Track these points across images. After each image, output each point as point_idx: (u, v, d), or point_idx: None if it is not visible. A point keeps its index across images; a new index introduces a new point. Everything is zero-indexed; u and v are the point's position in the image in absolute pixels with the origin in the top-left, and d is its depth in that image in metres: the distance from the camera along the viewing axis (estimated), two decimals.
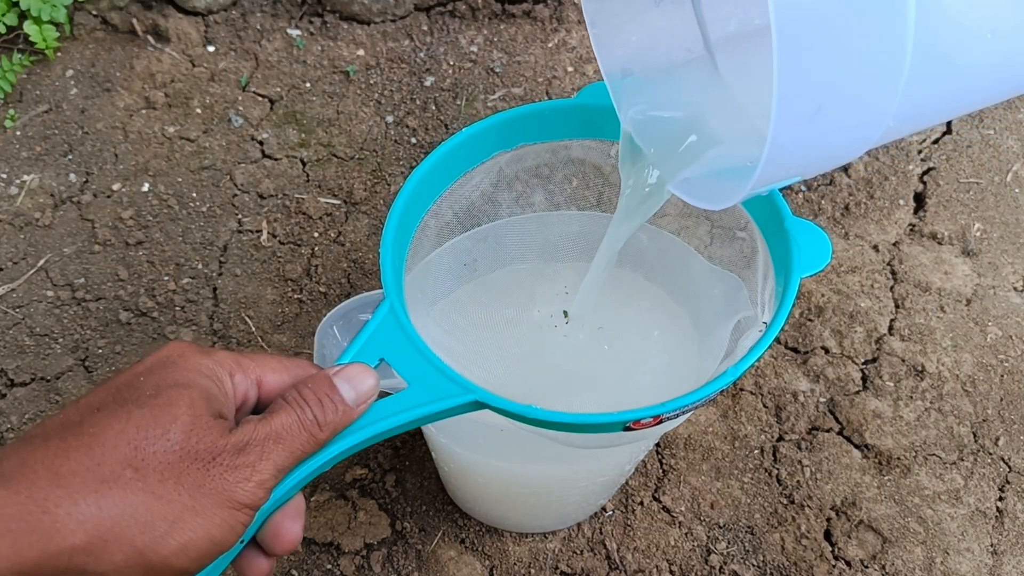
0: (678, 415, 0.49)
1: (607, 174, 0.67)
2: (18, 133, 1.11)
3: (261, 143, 1.13)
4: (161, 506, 0.36)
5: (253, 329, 0.98)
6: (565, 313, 0.71)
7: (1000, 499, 0.91)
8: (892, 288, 1.04)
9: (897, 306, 1.03)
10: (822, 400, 0.96)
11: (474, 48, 1.19)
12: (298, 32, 1.19)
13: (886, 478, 0.91)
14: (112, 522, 0.35)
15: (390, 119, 1.15)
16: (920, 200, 1.12)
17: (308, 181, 1.10)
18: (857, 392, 0.96)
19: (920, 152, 1.15)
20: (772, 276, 0.57)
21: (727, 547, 0.87)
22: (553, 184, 0.68)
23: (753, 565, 0.86)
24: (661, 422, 0.48)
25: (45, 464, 0.35)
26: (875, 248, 1.07)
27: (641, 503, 0.88)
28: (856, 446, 0.93)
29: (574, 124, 0.62)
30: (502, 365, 0.67)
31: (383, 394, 0.46)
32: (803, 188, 1.11)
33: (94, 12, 1.17)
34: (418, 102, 1.16)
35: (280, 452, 0.39)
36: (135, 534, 0.35)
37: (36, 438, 0.36)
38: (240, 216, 1.06)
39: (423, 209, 0.60)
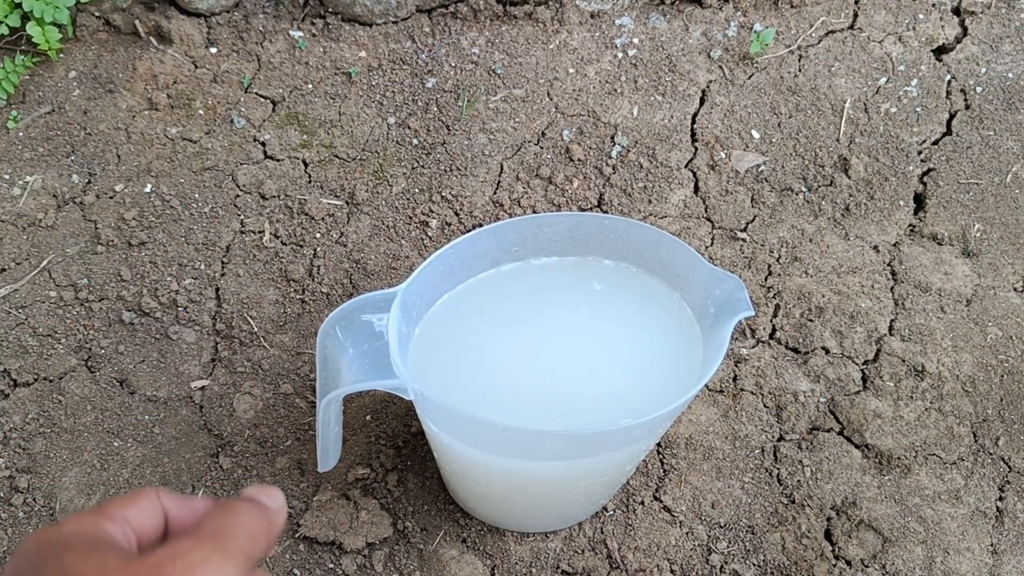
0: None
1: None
2: (21, 134, 1.11)
3: (263, 144, 1.13)
4: None
5: (255, 329, 0.98)
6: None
7: (1000, 499, 0.91)
8: (892, 288, 1.04)
9: (897, 306, 1.03)
10: (822, 400, 0.96)
11: (476, 49, 1.20)
12: (300, 33, 1.20)
13: (886, 478, 0.91)
14: None
15: (392, 120, 1.15)
16: (920, 201, 1.12)
17: (310, 182, 1.10)
18: (857, 392, 0.96)
19: (920, 153, 1.15)
20: None
21: (728, 546, 0.87)
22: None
23: (754, 564, 0.86)
24: None
25: None
26: (875, 249, 1.07)
27: (642, 503, 0.89)
28: (856, 446, 0.93)
29: None
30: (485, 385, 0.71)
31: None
32: (804, 189, 1.11)
33: (96, 13, 1.18)
34: (420, 103, 1.16)
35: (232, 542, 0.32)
36: None
37: None
38: (242, 217, 1.07)
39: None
